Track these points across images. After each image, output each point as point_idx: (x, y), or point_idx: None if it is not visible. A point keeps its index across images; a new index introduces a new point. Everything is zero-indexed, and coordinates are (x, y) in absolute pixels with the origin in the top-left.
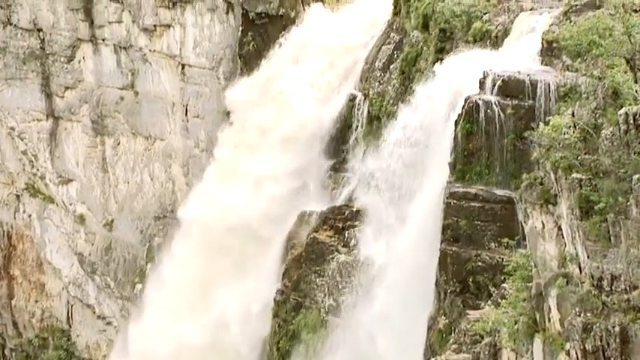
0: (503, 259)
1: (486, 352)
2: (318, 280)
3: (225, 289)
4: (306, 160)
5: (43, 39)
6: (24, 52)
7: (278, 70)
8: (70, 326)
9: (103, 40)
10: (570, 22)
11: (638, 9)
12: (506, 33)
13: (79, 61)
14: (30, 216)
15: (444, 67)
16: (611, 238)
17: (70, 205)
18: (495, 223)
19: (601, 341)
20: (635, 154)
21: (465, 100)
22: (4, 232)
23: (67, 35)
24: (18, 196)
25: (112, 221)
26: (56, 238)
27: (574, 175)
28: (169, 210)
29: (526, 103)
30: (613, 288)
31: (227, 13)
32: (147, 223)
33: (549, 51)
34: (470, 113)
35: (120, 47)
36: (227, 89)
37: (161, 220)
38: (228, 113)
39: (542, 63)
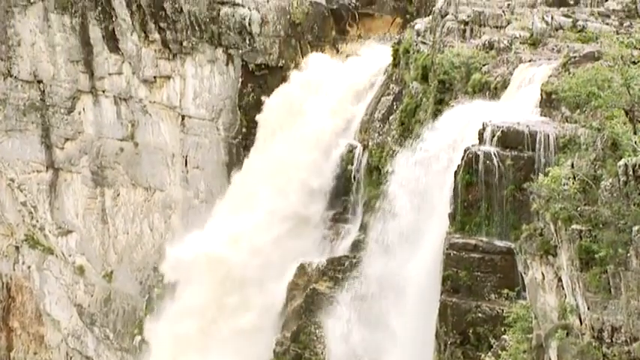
0: (503, 311)
1: None
2: (317, 331)
3: None
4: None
5: (44, 90)
6: (24, 104)
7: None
8: None
9: (103, 91)
10: (569, 73)
11: (636, 61)
12: (505, 84)
13: (79, 113)
14: (29, 267)
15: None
16: (612, 289)
17: (70, 256)
18: (495, 274)
19: None
20: (634, 205)
21: (465, 151)
22: (3, 283)
23: (67, 87)
24: (17, 248)
25: (112, 272)
26: (55, 289)
27: (574, 226)
28: None
29: (525, 154)
30: (613, 340)
31: (227, 64)
32: (146, 274)
33: (548, 102)
34: (469, 164)
35: (120, 98)
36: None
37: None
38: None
39: (541, 114)
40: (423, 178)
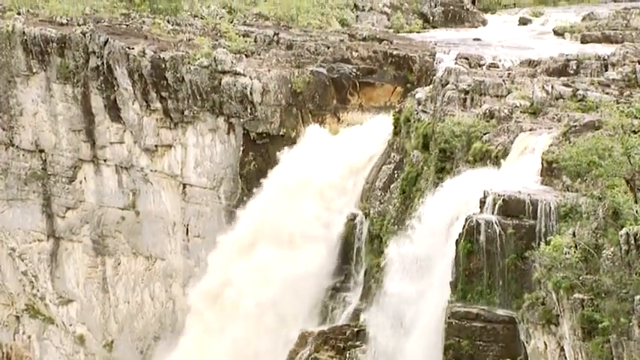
0: None
1: None
2: None
3: None
4: None
5: (45, 160)
6: (25, 173)
7: None
8: None
9: (105, 160)
10: (570, 142)
11: (636, 130)
12: (506, 153)
13: (81, 182)
14: (29, 337)
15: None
16: (614, 359)
17: (70, 325)
18: (497, 344)
19: None
20: (636, 274)
21: (466, 220)
22: (3, 353)
23: (68, 156)
24: (18, 317)
25: (112, 342)
26: (56, 359)
27: (576, 295)
28: (169, 330)
29: (527, 223)
30: None
31: (228, 133)
32: (147, 344)
33: (549, 171)
34: (471, 233)
35: (121, 167)
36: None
37: (161, 340)
38: None
39: (542, 183)
40: (424, 247)
